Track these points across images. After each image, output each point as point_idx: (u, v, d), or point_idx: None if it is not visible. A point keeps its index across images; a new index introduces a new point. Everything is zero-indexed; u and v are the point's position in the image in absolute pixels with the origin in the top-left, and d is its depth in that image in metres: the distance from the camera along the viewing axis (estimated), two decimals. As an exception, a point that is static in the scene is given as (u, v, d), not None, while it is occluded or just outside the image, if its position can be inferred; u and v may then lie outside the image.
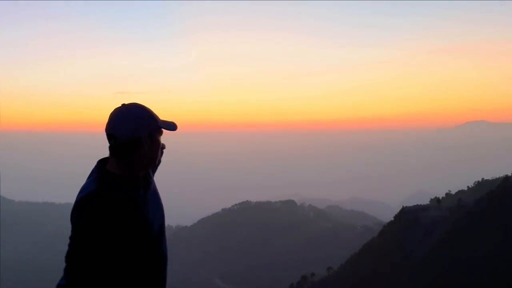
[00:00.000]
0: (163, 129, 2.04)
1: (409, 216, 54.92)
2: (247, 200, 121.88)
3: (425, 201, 67.31)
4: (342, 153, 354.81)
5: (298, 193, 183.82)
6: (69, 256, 1.92)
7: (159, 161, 2.23)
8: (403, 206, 60.96)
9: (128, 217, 1.96)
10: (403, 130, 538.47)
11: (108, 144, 1.98)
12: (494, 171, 77.42)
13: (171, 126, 2.04)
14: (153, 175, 2.31)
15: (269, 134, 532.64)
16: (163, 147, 2.14)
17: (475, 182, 72.52)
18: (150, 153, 2.02)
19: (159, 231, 2.18)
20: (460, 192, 69.74)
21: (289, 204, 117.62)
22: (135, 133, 1.95)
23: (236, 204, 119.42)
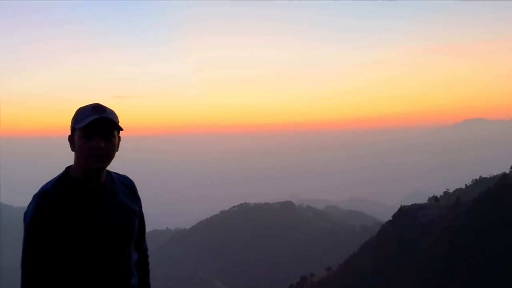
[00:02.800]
0: (82, 128, 1.95)
1: (407, 215, 54.98)
2: (245, 202, 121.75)
3: (423, 200, 67.38)
4: (339, 154, 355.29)
5: (297, 194, 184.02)
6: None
7: (96, 164, 2.01)
8: (401, 205, 60.99)
9: (64, 219, 1.94)
10: (400, 130, 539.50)
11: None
12: (492, 169, 77.67)
13: (81, 123, 1.95)
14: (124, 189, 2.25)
15: (266, 136, 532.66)
16: (92, 146, 1.96)
17: (473, 180, 72.68)
18: (76, 152, 2.01)
19: (110, 242, 2.06)
20: (458, 190, 69.91)
21: (287, 205, 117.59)
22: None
23: (234, 206, 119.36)
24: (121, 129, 2.03)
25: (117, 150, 2.07)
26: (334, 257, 68.46)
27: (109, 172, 2.17)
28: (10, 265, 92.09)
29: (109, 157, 2.01)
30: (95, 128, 1.94)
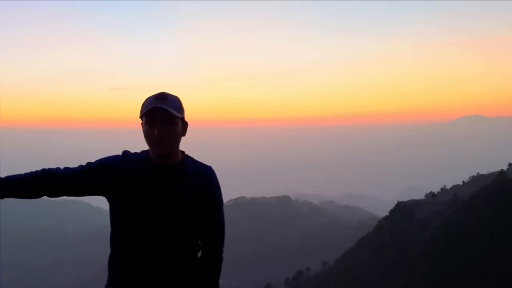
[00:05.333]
0: (144, 116, 2.05)
1: (404, 211, 55.00)
2: (242, 196, 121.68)
3: (420, 196, 67.47)
4: (336, 149, 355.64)
5: (293, 188, 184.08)
6: None
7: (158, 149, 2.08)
8: (398, 201, 61.01)
9: (120, 180, 2.11)
10: (397, 125, 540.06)
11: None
12: (489, 166, 77.78)
13: (143, 110, 2.04)
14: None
15: (263, 130, 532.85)
16: (152, 133, 2.04)
17: (470, 176, 72.84)
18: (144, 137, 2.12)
19: (147, 222, 2.09)
20: (455, 186, 70.01)
21: (284, 200, 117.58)
22: None
23: (231, 200, 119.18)
24: (179, 117, 2.05)
25: (183, 135, 2.14)
26: (330, 251, 68.50)
27: (186, 159, 2.22)
28: (9, 255, 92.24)
29: (169, 143, 2.05)
30: (155, 116, 2.01)
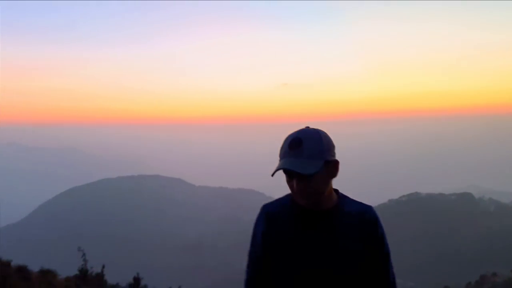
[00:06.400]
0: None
1: None
2: (416, 192, 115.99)
3: None
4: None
5: (477, 184, 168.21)
6: None
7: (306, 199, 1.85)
8: None
9: (269, 232, 1.95)
10: None
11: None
12: None
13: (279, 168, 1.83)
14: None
15: (442, 119, 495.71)
16: (292, 186, 1.84)
17: None
18: None
19: (305, 274, 1.85)
20: None
21: (465, 197, 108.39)
22: None
23: (404, 196, 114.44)
24: (314, 172, 1.74)
25: (333, 177, 1.84)
26: (522, 257, 60.87)
27: (341, 201, 1.93)
28: (190, 237, 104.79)
29: (313, 194, 1.80)
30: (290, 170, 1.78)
